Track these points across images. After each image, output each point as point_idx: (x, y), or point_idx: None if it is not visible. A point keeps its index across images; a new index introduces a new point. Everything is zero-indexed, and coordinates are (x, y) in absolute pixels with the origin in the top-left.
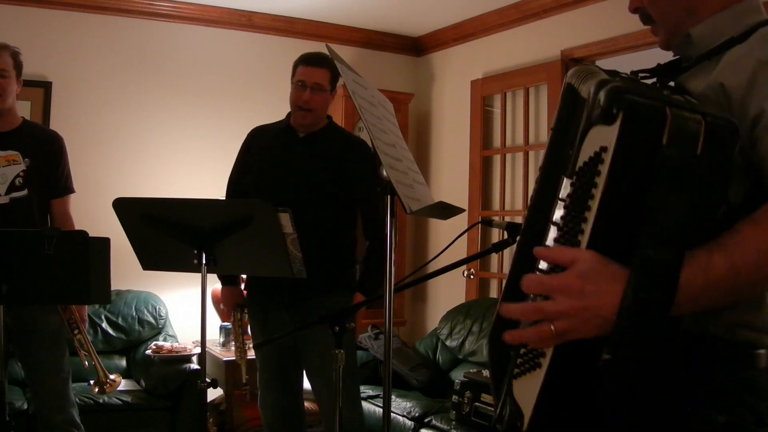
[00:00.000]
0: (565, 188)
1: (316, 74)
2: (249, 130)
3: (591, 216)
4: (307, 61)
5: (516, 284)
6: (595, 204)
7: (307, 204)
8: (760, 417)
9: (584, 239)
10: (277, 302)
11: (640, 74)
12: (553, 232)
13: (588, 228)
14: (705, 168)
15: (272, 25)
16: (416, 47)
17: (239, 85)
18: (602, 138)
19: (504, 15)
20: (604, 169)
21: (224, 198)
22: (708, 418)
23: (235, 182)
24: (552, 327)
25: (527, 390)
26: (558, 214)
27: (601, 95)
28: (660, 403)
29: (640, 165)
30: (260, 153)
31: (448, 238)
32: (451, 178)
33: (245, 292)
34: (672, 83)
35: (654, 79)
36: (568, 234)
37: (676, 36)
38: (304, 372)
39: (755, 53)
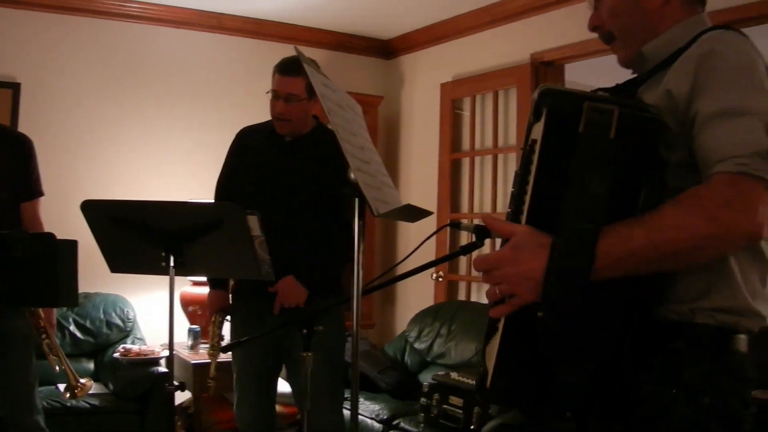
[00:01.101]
0: (515, 179)
1: (289, 84)
2: (217, 132)
3: (527, 197)
4: (281, 69)
5: None
6: (529, 188)
7: (298, 209)
8: (744, 400)
9: (523, 216)
10: (262, 307)
11: (598, 92)
12: (508, 216)
13: (526, 207)
14: (620, 151)
15: (242, 27)
16: (386, 50)
17: (209, 87)
18: (535, 132)
19: (474, 18)
20: (535, 158)
21: (199, 200)
22: (694, 400)
23: (222, 186)
24: (497, 290)
25: (491, 352)
26: (511, 202)
27: (534, 96)
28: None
29: (563, 151)
30: (248, 157)
31: (417, 240)
32: (420, 180)
33: (232, 296)
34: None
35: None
36: (514, 213)
37: (634, 53)
38: (287, 374)
39: (698, 50)
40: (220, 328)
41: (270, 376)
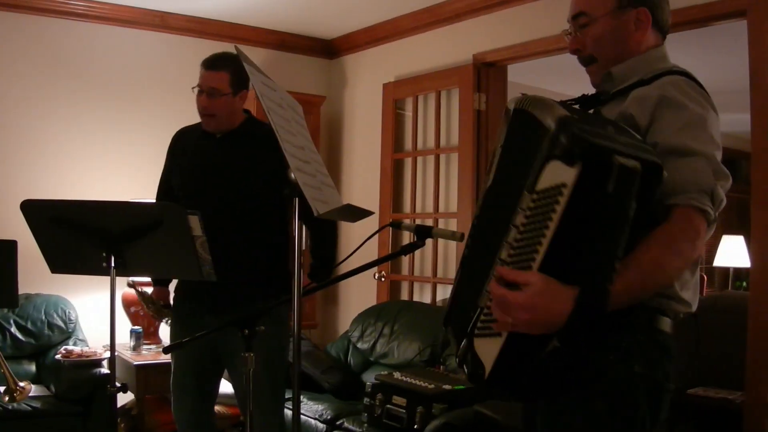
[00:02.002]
0: (525, 208)
1: (212, 78)
2: (162, 132)
3: (545, 242)
4: (205, 64)
5: (469, 269)
6: (549, 233)
7: (233, 206)
8: (669, 373)
9: (537, 261)
10: (202, 306)
11: (569, 102)
12: (508, 248)
13: (541, 254)
14: (638, 205)
15: (186, 26)
16: (329, 50)
17: (153, 86)
18: (561, 174)
19: (417, 19)
20: (562, 201)
21: (142, 200)
22: (629, 367)
23: (162, 188)
24: (510, 320)
25: (488, 350)
26: (513, 233)
27: (563, 138)
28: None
29: (588, 203)
30: (183, 157)
31: (359, 240)
32: (362, 180)
33: (173, 296)
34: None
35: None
36: (524, 253)
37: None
38: (229, 375)
39: (658, 91)
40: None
41: (209, 376)
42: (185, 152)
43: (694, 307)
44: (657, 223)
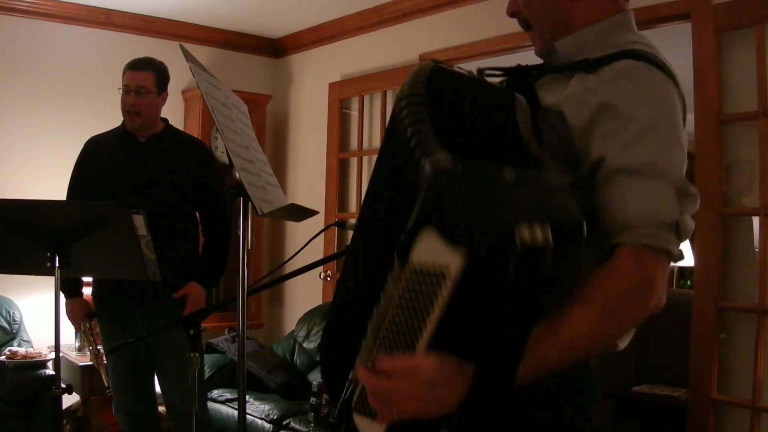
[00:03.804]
0: (398, 283)
1: (139, 78)
2: (104, 129)
3: (430, 325)
4: (131, 66)
5: (346, 301)
6: (434, 316)
7: (154, 207)
8: (587, 415)
9: (423, 340)
10: (129, 303)
11: (489, 72)
12: (379, 320)
13: (426, 333)
14: (550, 279)
15: (131, 23)
16: (275, 49)
17: (97, 84)
18: (441, 255)
19: (363, 18)
20: (444, 292)
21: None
22: (533, 415)
23: (76, 194)
24: (395, 411)
25: (368, 430)
26: (387, 306)
27: (444, 206)
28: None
29: (483, 285)
30: (104, 161)
31: (305, 240)
32: (308, 180)
33: (91, 298)
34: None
35: (503, 79)
36: (403, 329)
37: (548, 46)
38: (156, 371)
39: (599, 94)
40: (92, 334)
41: (145, 374)
42: (104, 156)
43: (623, 345)
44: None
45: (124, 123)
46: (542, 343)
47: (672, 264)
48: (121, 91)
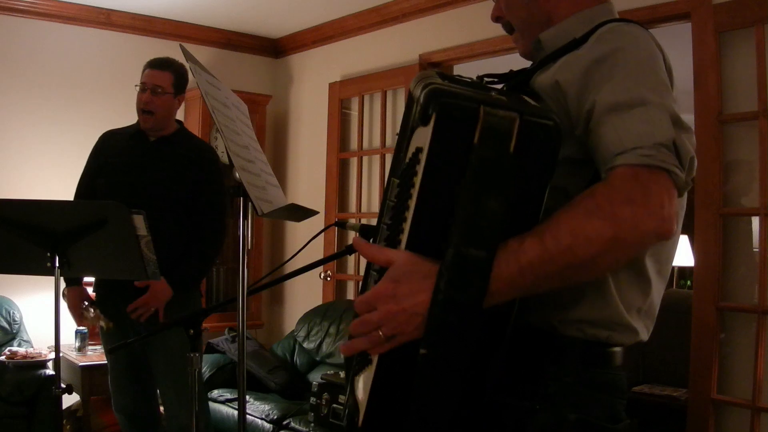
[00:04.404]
0: (393, 189)
1: (157, 77)
2: (105, 129)
3: (409, 215)
4: (150, 64)
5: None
6: (412, 203)
7: (158, 207)
8: (615, 413)
9: (404, 238)
10: (128, 303)
11: (487, 79)
12: (384, 233)
13: (407, 227)
14: (519, 166)
15: (131, 23)
16: (275, 49)
17: (96, 85)
18: (420, 138)
19: (363, 18)
20: (420, 169)
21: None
22: (558, 415)
23: (84, 186)
24: (380, 333)
25: (363, 387)
26: (388, 215)
27: (421, 97)
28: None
29: (454, 164)
30: (112, 157)
31: (304, 240)
32: (308, 180)
33: (93, 294)
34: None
35: (502, 85)
36: (393, 233)
37: (532, 43)
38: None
39: (589, 53)
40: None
41: (144, 374)
42: (114, 153)
43: (645, 336)
44: None
45: (138, 122)
46: (521, 238)
47: (677, 197)
48: (137, 88)
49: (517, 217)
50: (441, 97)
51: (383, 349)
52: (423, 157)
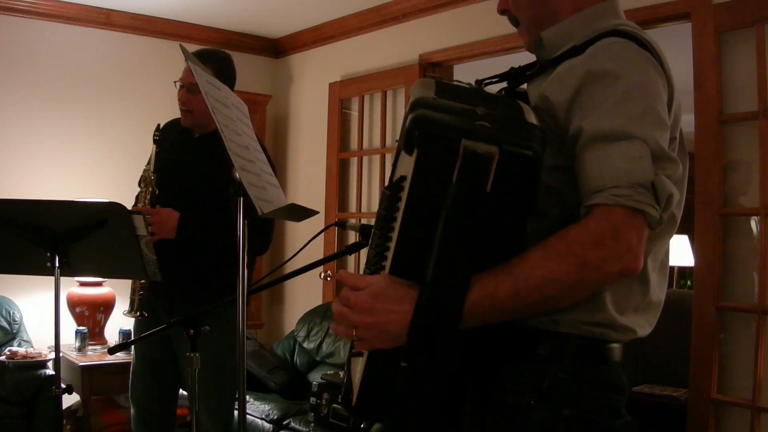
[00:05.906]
0: (381, 203)
1: (191, 74)
2: (106, 129)
3: (393, 239)
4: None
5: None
6: (396, 228)
7: (200, 206)
8: (614, 410)
9: (388, 261)
10: (165, 306)
11: (487, 81)
12: (370, 253)
13: (391, 252)
14: (496, 202)
15: (131, 23)
16: (275, 49)
17: (96, 85)
18: (405, 166)
19: (363, 18)
20: (404, 196)
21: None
22: (554, 411)
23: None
24: (353, 333)
25: (357, 369)
26: (375, 228)
27: (407, 121)
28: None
29: (434, 196)
30: (164, 152)
31: (305, 240)
32: (308, 180)
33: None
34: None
35: (500, 89)
36: (378, 253)
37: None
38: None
39: (579, 71)
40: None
41: (167, 375)
42: (167, 146)
43: (643, 332)
44: None
45: None
46: (495, 275)
47: (650, 231)
48: (177, 85)
49: (495, 248)
50: (425, 127)
51: (359, 348)
52: (406, 185)
